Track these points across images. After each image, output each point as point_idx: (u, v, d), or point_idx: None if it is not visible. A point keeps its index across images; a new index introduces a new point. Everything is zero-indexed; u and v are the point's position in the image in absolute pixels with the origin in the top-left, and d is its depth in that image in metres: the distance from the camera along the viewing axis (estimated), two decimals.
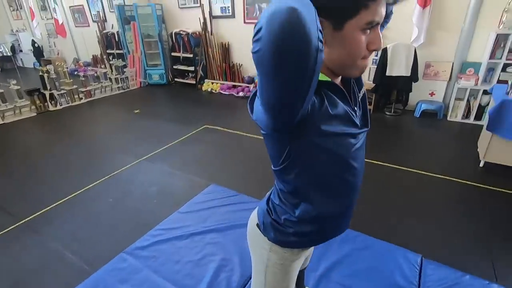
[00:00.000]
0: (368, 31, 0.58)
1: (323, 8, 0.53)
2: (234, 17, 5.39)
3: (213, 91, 5.77)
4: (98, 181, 2.78)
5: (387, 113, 4.31)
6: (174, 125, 4.16)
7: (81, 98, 5.44)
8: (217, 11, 5.52)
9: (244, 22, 5.32)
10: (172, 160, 3.16)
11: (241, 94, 5.40)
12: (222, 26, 5.62)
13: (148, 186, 2.71)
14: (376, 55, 4.28)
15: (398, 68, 3.90)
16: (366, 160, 2.95)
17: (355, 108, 0.72)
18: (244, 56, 5.64)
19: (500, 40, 3.40)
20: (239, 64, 5.71)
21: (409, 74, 3.90)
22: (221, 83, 5.84)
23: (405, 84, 3.99)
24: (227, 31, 5.62)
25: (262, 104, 0.55)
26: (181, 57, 6.12)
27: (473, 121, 3.83)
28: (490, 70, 3.65)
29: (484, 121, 3.48)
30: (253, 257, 0.99)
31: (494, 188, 2.49)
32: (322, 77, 0.63)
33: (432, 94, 4.18)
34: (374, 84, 4.17)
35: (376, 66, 4.15)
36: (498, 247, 1.90)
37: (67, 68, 5.49)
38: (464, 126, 3.79)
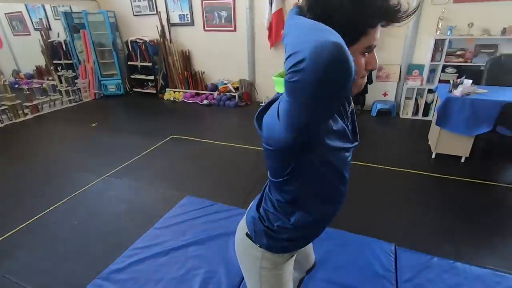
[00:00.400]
0: (367, 53, 0.64)
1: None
2: (193, 24, 5.33)
3: (176, 99, 5.62)
4: (58, 203, 2.53)
5: None
6: (137, 137, 3.96)
7: (27, 114, 4.92)
8: (175, 19, 5.42)
9: (204, 30, 5.30)
10: (140, 175, 3.01)
11: (205, 101, 5.33)
12: (182, 33, 5.52)
13: (117, 204, 2.54)
14: None
15: None
16: None
17: (348, 124, 0.77)
18: (205, 64, 5.60)
19: (438, 44, 3.83)
20: (201, 71, 5.65)
21: None
22: (183, 92, 5.71)
23: None
24: (187, 39, 5.53)
25: (287, 125, 0.56)
26: (139, 66, 5.87)
27: (422, 117, 4.25)
28: (432, 71, 4.09)
29: (432, 117, 3.88)
30: (245, 268, 0.99)
31: (447, 176, 2.78)
32: None
33: (385, 94, 4.55)
34: None
35: None
36: (457, 228, 2.13)
37: (5, 81, 4.93)
38: (415, 122, 4.19)
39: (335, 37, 0.46)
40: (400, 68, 4.30)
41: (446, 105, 2.82)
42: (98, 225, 2.28)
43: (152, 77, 5.82)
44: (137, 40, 5.60)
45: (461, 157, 3.01)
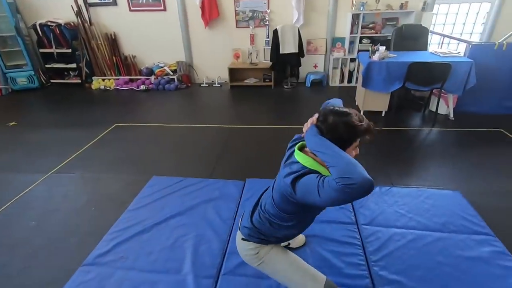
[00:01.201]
0: (355, 148, 1.07)
1: (340, 143, 0.97)
2: (116, 4, 4.91)
3: (108, 88, 5.18)
4: (3, 207, 2.25)
5: (285, 86, 4.96)
6: (73, 130, 3.61)
7: None
8: None
9: (130, 10, 4.93)
10: (93, 165, 2.82)
11: (142, 87, 5.06)
12: (104, 14, 5.03)
13: (76, 197, 2.38)
14: (268, 37, 4.81)
15: (288, 46, 4.53)
16: (270, 126, 3.43)
17: None
18: (136, 47, 5.25)
19: (355, 18, 4.43)
20: (132, 55, 5.29)
21: (297, 51, 4.59)
22: (115, 79, 5.29)
23: (295, 59, 4.69)
24: (110, 20, 5.07)
25: (326, 202, 0.93)
26: (55, 54, 5.14)
27: (347, 83, 4.90)
28: (351, 43, 4.71)
29: (356, 82, 4.52)
30: (251, 264, 1.29)
31: (376, 127, 3.36)
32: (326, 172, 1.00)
33: (315, 66, 5.06)
34: (271, 63, 4.70)
35: (270, 47, 4.68)
36: (388, 164, 2.67)
37: None
38: (343, 88, 4.81)
39: (366, 173, 0.87)
40: (326, 41, 4.82)
41: (368, 69, 3.37)
42: (62, 221, 2.13)
43: (74, 65, 5.20)
44: (49, 24, 4.88)
45: (381, 112, 3.67)
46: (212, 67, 5.24)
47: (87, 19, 4.99)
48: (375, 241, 1.79)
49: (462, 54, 3.47)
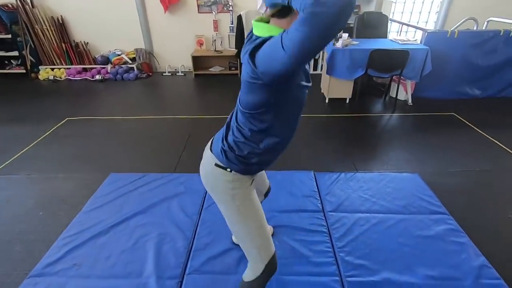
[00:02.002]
0: None
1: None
2: None
3: (58, 78, 4.72)
4: None
5: None
6: (18, 126, 3.24)
7: None
8: None
9: None
10: (40, 164, 2.55)
11: (98, 77, 4.67)
12: None
13: (20, 201, 2.13)
14: (232, 23, 4.65)
15: None
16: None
17: (307, 67, 0.96)
18: (88, 33, 4.81)
19: None
20: (84, 42, 4.84)
21: None
22: (66, 68, 4.83)
23: None
24: (56, 3, 4.57)
25: (296, 53, 0.68)
26: None
27: (313, 71, 4.92)
28: None
29: (321, 70, 4.54)
30: (219, 197, 1.09)
31: (339, 114, 3.43)
32: None
33: None
34: (237, 50, 4.56)
35: (234, 34, 4.53)
36: (352, 150, 2.73)
37: None
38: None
39: None
40: None
41: (332, 56, 3.38)
42: (2, 229, 1.90)
43: (16, 53, 4.65)
44: None
45: (346, 99, 3.73)
46: (175, 55, 4.97)
47: (28, 0, 4.44)
48: (340, 227, 1.82)
49: (419, 42, 3.61)
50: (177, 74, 4.99)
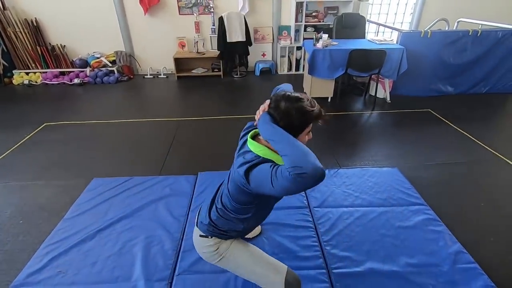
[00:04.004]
0: (308, 133, 1.05)
1: (292, 129, 0.97)
2: None
3: (33, 83, 4.55)
4: None
5: (235, 76, 4.89)
6: None
7: None
8: None
9: None
10: (17, 172, 2.46)
11: (76, 81, 4.54)
12: None
13: None
14: (213, 25, 4.65)
15: (235, 34, 4.44)
16: (221, 116, 3.40)
17: None
18: (65, 36, 4.67)
19: (299, 7, 4.49)
20: (61, 45, 4.69)
21: (245, 39, 4.52)
22: (41, 72, 4.66)
23: (243, 48, 4.62)
24: (30, 5, 4.41)
25: (280, 192, 0.90)
26: None
27: (295, 71, 5.00)
28: (297, 31, 4.80)
29: (303, 70, 4.63)
30: (211, 261, 1.24)
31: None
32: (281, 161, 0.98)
33: (264, 55, 5.06)
34: (219, 52, 4.57)
35: (216, 35, 4.54)
36: (335, 147, 2.80)
37: None
38: (291, 76, 4.90)
39: (318, 161, 0.85)
40: (272, 29, 4.83)
41: (313, 57, 3.46)
42: None
43: None
44: None
45: (327, 98, 3.83)
46: (156, 57, 4.91)
47: (0, 1, 4.26)
48: (326, 222, 1.87)
49: (395, 42, 3.76)
50: (159, 76, 4.93)
